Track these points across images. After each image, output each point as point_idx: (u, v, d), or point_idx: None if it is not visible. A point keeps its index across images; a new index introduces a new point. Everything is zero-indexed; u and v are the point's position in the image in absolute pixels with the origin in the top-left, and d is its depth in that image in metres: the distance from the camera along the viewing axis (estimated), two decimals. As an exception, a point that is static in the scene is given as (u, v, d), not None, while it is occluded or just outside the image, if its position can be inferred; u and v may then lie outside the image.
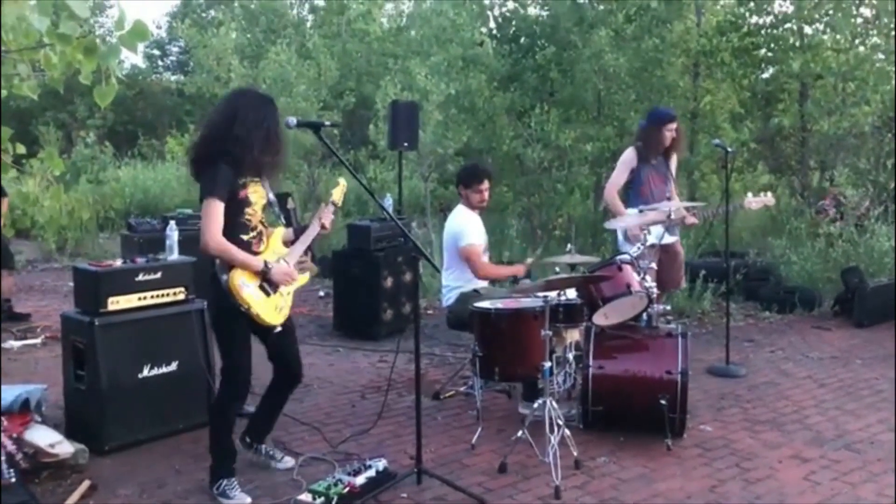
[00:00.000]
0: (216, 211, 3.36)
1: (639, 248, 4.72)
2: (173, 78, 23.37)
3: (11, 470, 3.53)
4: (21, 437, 3.76)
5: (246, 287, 3.43)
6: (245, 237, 3.51)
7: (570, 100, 10.41)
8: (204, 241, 3.37)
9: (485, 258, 5.07)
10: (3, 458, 3.53)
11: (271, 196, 3.67)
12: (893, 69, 9.23)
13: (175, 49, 25.02)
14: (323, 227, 3.70)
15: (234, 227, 3.46)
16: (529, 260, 5.22)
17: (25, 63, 2.68)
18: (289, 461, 3.94)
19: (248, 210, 3.51)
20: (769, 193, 5.73)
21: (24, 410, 3.93)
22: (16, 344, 6.35)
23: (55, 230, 10.95)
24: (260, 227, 3.60)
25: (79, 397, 4.19)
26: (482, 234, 5.09)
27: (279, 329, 3.61)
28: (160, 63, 25.84)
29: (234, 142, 3.38)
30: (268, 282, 3.50)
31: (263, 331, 3.61)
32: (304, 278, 3.72)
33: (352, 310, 6.75)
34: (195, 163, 3.50)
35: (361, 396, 5.14)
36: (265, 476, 3.83)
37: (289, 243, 3.72)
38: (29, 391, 4.05)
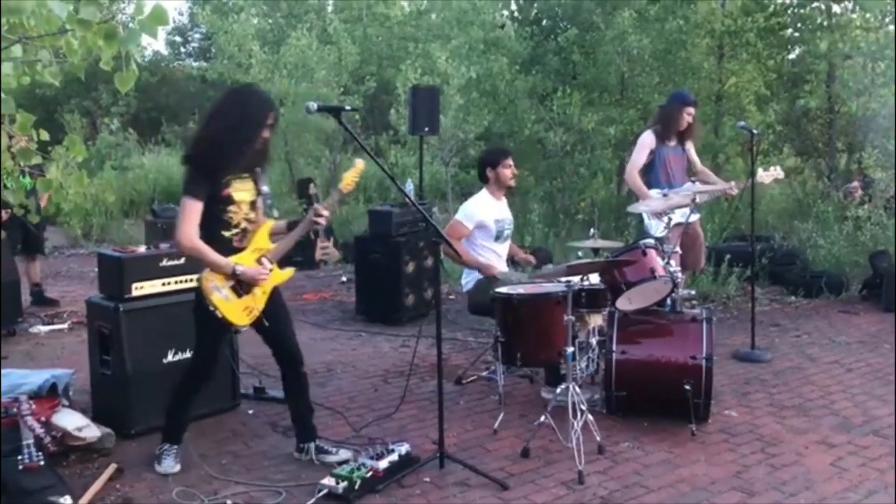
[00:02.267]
0: (192, 210, 3.37)
1: (665, 227, 4.68)
2: (195, 64, 23.42)
3: (40, 453, 3.58)
4: (49, 420, 3.81)
5: (217, 290, 3.44)
6: (227, 234, 3.51)
7: (593, 82, 10.33)
8: (177, 239, 3.42)
9: (496, 243, 5.01)
10: (31, 441, 3.58)
11: (264, 189, 3.64)
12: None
13: (197, 35, 25.07)
14: (316, 221, 3.61)
15: (216, 224, 3.47)
16: (498, 270, 4.98)
17: (47, 49, 2.69)
18: (345, 453, 3.84)
19: (231, 208, 3.50)
20: (779, 167, 5.71)
21: (51, 395, 3.99)
22: (43, 329, 6.43)
23: (81, 216, 11.08)
24: (244, 224, 3.57)
25: (105, 382, 4.24)
26: (487, 217, 4.97)
27: (242, 329, 3.64)
28: (182, 50, 25.93)
29: (210, 141, 3.42)
30: (240, 283, 3.49)
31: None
32: (286, 273, 3.68)
33: (374, 295, 6.76)
34: (185, 160, 3.51)
35: (384, 381, 5.15)
36: (288, 459, 3.86)
37: (282, 235, 3.68)
38: (56, 376, 4.10)
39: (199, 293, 3.53)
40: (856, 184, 9.69)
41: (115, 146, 15.33)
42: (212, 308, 3.44)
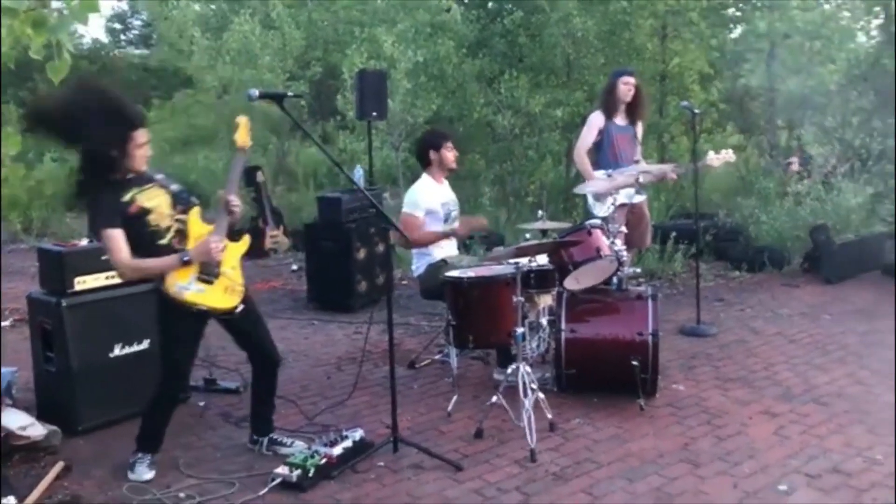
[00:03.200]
0: (114, 238, 3.29)
1: (609, 208, 4.74)
2: (136, 52, 22.83)
3: (-18, 454, 3.50)
4: (-8, 420, 3.72)
5: (185, 290, 3.36)
6: (162, 242, 3.41)
7: (540, 65, 10.36)
8: (119, 271, 3.37)
9: (436, 226, 4.95)
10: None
11: (174, 187, 3.52)
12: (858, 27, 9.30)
13: (138, 22, 24.44)
14: (229, 209, 3.47)
15: (147, 238, 3.37)
16: (457, 224, 4.98)
17: (-27, 39, 2.60)
18: (299, 444, 3.82)
19: (150, 218, 3.40)
20: (730, 151, 5.76)
21: (-7, 394, 3.90)
22: (-17, 327, 6.25)
23: (20, 211, 10.76)
24: (175, 226, 3.46)
25: (49, 379, 4.15)
26: (433, 202, 4.92)
27: (241, 308, 3.53)
28: (123, 37, 25.24)
29: (94, 161, 3.30)
30: (202, 271, 3.40)
31: (226, 318, 3.55)
32: (242, 243, 3.58)
33: (325, 282, 6.72)
34: (78, 198, 3.41)
35: (337, 368, 5.14)
36: (241, 450, 3.83)
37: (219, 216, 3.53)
38: (-1, 374, 4.01)
39: (163, 301, 3.41)
40: (793, 159, 9.94)
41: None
42: (195, 308, 3.36)
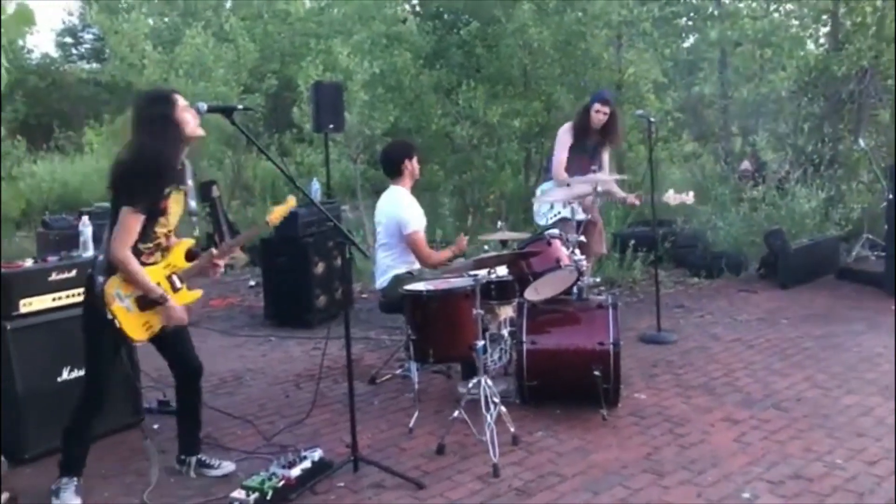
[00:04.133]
0: (133, 223, 3.22)
1: (549, 219, 4.73)
2: (86, 66, 22.40)
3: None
4: (-68, 451, 3.56)
5: (119, 300, 3.28)
6: (141, 246, 3.33)
7: (497, 75, 10.39)
8: (112, 248, 3.24)
9: None
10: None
11: (192, 204, 3.53)
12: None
13: (89, 36, 24.00)
14: (216, 264, 3.52)
15: (139, 234, 3.30)
16: (464, 235, 5.02)
17: None
18: (227, 466, 3.75)
19: (161, 220, 3.35)
20: (691, 193, 5.76)
21: (-67, 423, 3.72)
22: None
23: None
24: (161, 240, 3.41)
25: (-6, 405, 3.98)
26: (424, 217, 4.89)
27: (137, 344, 3.47)
28: (74, 52, 24.76)
29: (152, 150, 3.25)
30: (145, 297, 3.33)
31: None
32: (193, 294, 3.55)
33: (283, 298, 6.61)
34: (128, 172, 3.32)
35: (296, 386, 5.04)
36: (196, 475, 3.72)
37: (195, 256, 3.55)
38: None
39: (89, 306, 3.34)
40: (746, 163, 10.09)
41: (4, 154, 14.52)
42: (110, 317, 3.26)
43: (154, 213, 3.30)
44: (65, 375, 4.02)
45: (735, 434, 4.00)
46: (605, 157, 5.93)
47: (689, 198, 5.68)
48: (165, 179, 3.31)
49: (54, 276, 4.04)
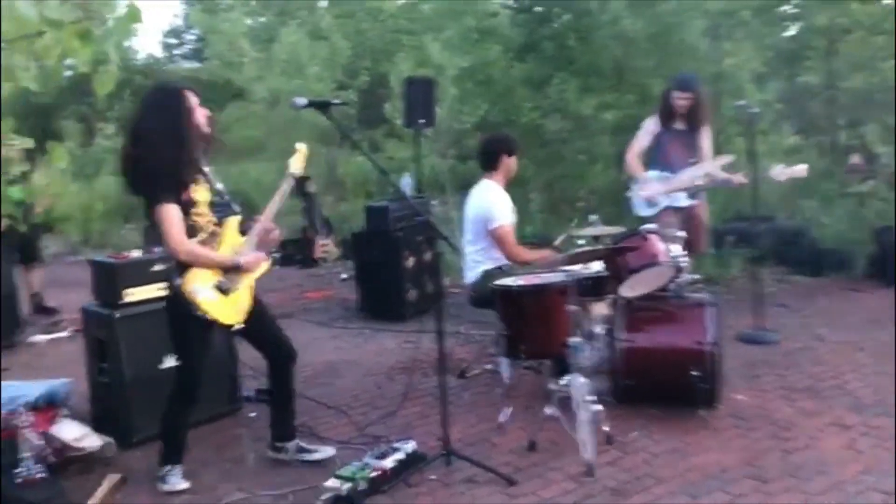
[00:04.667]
0: (173, 215, 3.28)
1: (652, 211, 4.59)
2: (187, 66, 23.28)
3: (39, 466, 3.53)
4: (48, 432, 3.76)
5: (200, 292, 3.34)
6: (199, 239, 3.40)
7: (589, 68, 10.19)
8: (171, 248, 3.32)
9: None
10: (30, 454, 3.53)
11: (219, 185, 3.53)
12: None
13: (191, 37, 24.95)
14: (266, 227, 3.54)
15: (187, 230, 3.35)
16: (557, 242, 4.83)
17: (24, 54, 2.61)
18: (327, 450, 3.81)
19: (194, 211, 3.38)
20: (804, 166, 5.32)
21: (49, 405, 3.92)
22: (44, 338, 6.38)
23: (78, 224, 11.03)
24: (211, 227, 3.46)
25: (103, 390, 4.19)
26: (512, 212, 4.80)
27: (238, 327, 3.50)
28: (176, 52, 25.80)
29: (162, 144, 3.29)
30: (221, 281, 3.38)
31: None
32: (264, 266, 3.59)
33: (375, 291, 6.69)
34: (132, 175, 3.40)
35: (388, 378, 5.08)
36: (292, 462, 3.79)
37: (247, 230, 3.57)
38: (55, 386, 4.04)
39: (174, 303, 3.41)
40: (856, 158, 9.59)
41: (112, 151, 15.25)
42: (200, 312, 3.34)
43: (185, 205, 3.34)
44: (166, 363, 4.17)
45: (844, 441, 3.79)
46: (705, 142, 5.65)
47: (802, 170, 5.22)
48: (181, 169, 3.34)
49: (158, 267, 4.20)
